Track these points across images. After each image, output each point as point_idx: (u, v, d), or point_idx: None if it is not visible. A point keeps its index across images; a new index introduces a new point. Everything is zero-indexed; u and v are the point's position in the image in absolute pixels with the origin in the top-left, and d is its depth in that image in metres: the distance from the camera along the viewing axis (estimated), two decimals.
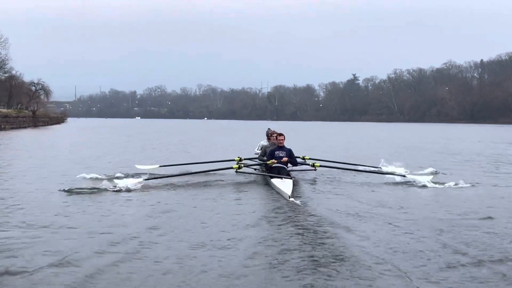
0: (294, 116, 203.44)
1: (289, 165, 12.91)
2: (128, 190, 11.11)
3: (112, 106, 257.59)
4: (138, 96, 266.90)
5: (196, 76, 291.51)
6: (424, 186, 12.29)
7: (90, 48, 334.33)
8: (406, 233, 7.35)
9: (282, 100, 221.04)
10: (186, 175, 13.48)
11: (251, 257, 6.07)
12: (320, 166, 13.73)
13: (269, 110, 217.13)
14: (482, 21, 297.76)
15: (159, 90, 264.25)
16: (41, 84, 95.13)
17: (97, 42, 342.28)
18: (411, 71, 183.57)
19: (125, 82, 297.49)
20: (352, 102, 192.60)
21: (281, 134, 13.15)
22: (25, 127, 61.02)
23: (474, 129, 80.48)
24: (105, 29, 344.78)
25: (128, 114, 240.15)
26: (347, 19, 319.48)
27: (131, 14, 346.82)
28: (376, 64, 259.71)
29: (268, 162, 12.71)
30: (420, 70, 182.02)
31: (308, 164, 14.10)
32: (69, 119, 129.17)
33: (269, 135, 14.45)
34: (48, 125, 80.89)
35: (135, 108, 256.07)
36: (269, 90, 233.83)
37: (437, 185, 12.31)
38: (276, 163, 12.50)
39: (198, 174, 13.34)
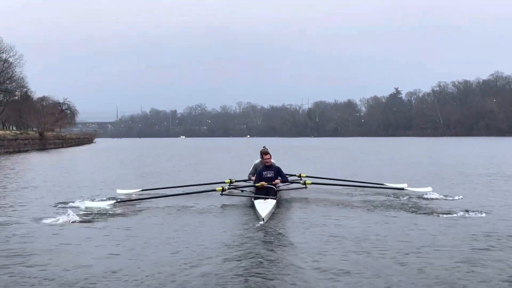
0: (336, 132, 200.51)
1: (280, 184, 12.69)
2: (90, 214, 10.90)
3: (153, 125, 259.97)
4: (179, 115, 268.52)
5: (236, 93, 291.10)
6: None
7: (130, 69, 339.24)
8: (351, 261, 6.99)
9: (322, 116, 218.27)
10: (164, 198, 13.01)
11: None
12: (312, 183, 13.46)
13: (309, 126, 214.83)
14: None
15: (199, 108, 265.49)
16: (67, 104, 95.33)
17: (138, 63, 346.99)
18: (456, 83, 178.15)
19: (166, 102, 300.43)
20: (395, 117, 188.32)
21: (266, 153, 12.71)
22: (26, 151, 52.98)
23: None
24: (144, 49, 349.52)
25: (168, 133, 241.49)
26: (387, 33, 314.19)
27: (170, 33, 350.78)
28: (419, 77, 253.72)
29: (257, 184, 12.26)
30: (466, 82, 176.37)
31: (299, 182, 14.11)
32: (98, 140, 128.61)
33: (262, 153, 13.58)
34: (63, 147, 73.44)
35: (171, 127, 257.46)
36: (309, 106, 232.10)
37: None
38: (266, 185, 12.06)
39: (178, 196, 13.23)
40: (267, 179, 12.31)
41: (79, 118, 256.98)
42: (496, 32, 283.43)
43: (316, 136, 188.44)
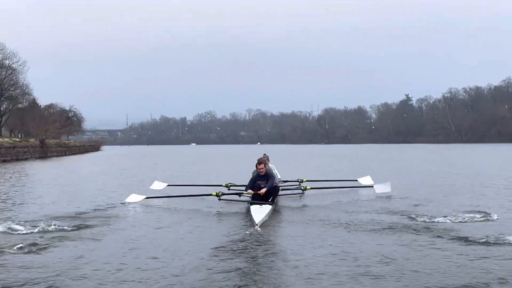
0: (346, 139, 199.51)
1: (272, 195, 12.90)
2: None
3: (162, 132, 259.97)
4: (188, 122, 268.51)
5: (246, 101, 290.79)
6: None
7: (140, 76, 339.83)
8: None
9: (332, 123, 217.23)
10: (166, 198, 14.39)
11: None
12: (311, 188, 14.31)
13: (319, 133, 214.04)
14: None
15: (209, 116, 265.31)
16: (73, 111, 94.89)
17: (148, 70, 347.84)
18: (468, 89, 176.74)
19: (176, 109, 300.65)
20: (406, 123, 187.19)
21: (260, 163, 12.85)
22: (25, 159, 50.65)
23: None
24: (154, 56, 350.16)
25: (177, 140, 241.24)
26: (398, 38, 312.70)
27: (179, 40, 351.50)
28: (430, 84, 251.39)
29: (245, 193, 12.80)
30: (477, 88, 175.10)
31: (300, 188, 14.74)
32: (105, 147, 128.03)
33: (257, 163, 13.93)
34: (67, 155, 71.13)
35: (180, 134, 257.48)
36: (319, 113, 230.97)
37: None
38: (252, 194, 12.29)
39: (177, 198, 14.08)
40: (256, 187, 12.56)
41: (89, 125, 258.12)
42: (508, 38, 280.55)
43: (326, 143, 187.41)
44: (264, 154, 15.63)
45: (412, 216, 10.95)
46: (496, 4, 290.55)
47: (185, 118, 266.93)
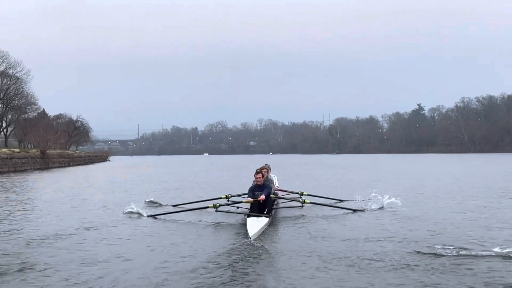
0: (357, 148, 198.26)
1: (276, 201, 13.49)
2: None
3: (173, 143, 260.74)
4: (199, 132, 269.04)
5: (257, 110, 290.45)
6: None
7: (152, 86, 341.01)
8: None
9: (344, 132, 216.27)
10: (165, 214, 13.97)
11: None
12: (311, 203, 14.29)
13: (330, 143, 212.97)
14: None
15: (220, 126, 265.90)
16: (80, 121, 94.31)
17: (159, 81, 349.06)
18: (481, 98, 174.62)
19: (187, 119, 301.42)
20: (418, 133, 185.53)
21: (258, 173, 12.99)
22: (24, 170, 48.82)
23: None
24: (166, 67, 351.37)
25: (188, 150, 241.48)
26: (410, 48, 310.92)
27: (191, 51, 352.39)
28: (442, 93, 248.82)
29: (243, 201, 13.02)
30: (490, 97, 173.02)
31: (297, 200, 14.74)
32: (114, 158, 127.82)
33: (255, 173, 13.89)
34: (70, 165, 69.02)
35: (191, 144, 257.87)
36: (330, 123, 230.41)
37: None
38: (252, 201, 12.48)
39: (177, 214, 13.94)
40: (256, 197, 12.57)
41: (101, 136, 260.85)
42: None
43: (338, 153, 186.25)
44: (266, 164, 15.61)
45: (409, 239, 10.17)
46: (508, 13, 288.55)
47: (196, 128, 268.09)
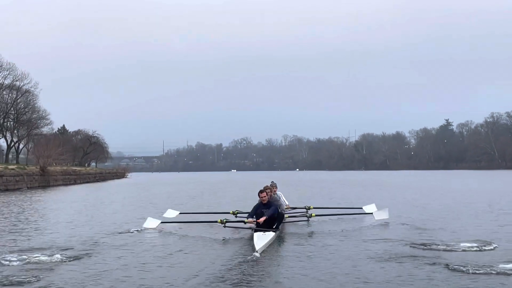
0: (384, 165, 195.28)
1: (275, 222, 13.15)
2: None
3: (198, 159, 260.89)
4: (224, 148, 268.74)
5: (282, 126, 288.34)
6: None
7: (177, 103, 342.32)
8: None
9: (370, 148, 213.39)
10: (187, 223, 14.72)
11: None
12: (316, 215, 14.71)
13: (356, 159, 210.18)
14: None
15: (244, 142, 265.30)
16: (96, 136, 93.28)
17: (183, 97, 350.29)
18: (511, 114, 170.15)
19: (212, 135, 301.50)
20: (447, 149, 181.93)
21: (262, 191, 13.01)
22: (17, 189, 44.05)
23: None
24: (191, 84, 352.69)
25: (212, 167, 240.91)
26: (436, 63, 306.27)
27: (215, 67, 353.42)
28: (470, 108, 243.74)
29: (246, 221, 12.94)
30: None
31: (303, 215, 15.12)
32: (133, 174, 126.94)
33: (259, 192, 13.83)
34: (77, 183, 63.78)
35: (216, 161, 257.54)
36: (356, 139, 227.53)
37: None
38: (252, 222, 12.67)
39: (196, 223, 14.56)
40: (258, 215, 12.66)
41: (126, 152, 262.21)
42: None
43: (364, 169, 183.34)
44: (272, 182, 15.92)
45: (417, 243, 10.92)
46: None
47: (221, 145, 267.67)
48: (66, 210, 22.35)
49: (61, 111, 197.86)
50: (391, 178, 73.01)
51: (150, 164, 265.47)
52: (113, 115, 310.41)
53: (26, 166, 54.33)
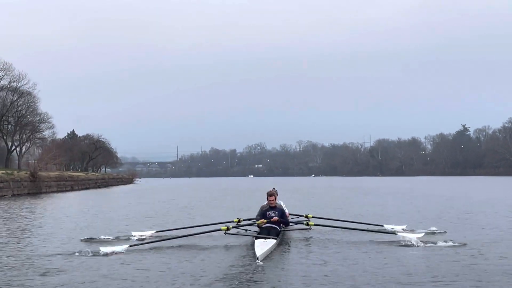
0: (400, 171, 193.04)
1: (282, 225, 13.21)
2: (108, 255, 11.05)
3: (212, 165, 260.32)
4: (238, 154, 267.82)
5: (296, 132, 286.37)
6: (412, 245, 11.72)
7: (191, 108, 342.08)
8: None
9: (385, 154, 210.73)
10: (175, 239, 13.06)
11: None
12: (315, 225, 14.05)
13: (371, 165, 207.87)
14: None
15: (259, 147, 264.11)
16: (101, 141, 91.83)
17: (198, 102, 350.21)
18: None
19: (226, 141, 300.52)
20: (464, 155, 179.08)
21: (271, 195, 13.31)
22: (0, 197, 40.10)
23: None
24: (205, 89, 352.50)
25: (226, 172, 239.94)
26: (453, 67, 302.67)
27: (227, 74, 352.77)
28: (488, 113, 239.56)
29: (257, 222, 13.03)
30: None
31: (303, 223, 14.41)
32: (143, 180, 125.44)
33: (267, 195, 14.07)
34: (74, 190, 60.40)
35: (230, 167, 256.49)
36: (371, 145, 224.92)
37: (427, 244, 11.75)
38: (266, 222, 12.74)
39: (187, 237, 13.24)
40: (269, 218, 12.88)
41: (141, 158, 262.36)
42: None
43: (379, 175, 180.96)
44: (273, 188, 15.37)
45: None
46: None
47: (235, 150, 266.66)
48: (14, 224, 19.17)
49: (70, 115, 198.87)
50: (413, 185, 68.54)
51: (164, 170, 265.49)
52: (128, 121, 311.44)
53: (15, 171, 50.50)
